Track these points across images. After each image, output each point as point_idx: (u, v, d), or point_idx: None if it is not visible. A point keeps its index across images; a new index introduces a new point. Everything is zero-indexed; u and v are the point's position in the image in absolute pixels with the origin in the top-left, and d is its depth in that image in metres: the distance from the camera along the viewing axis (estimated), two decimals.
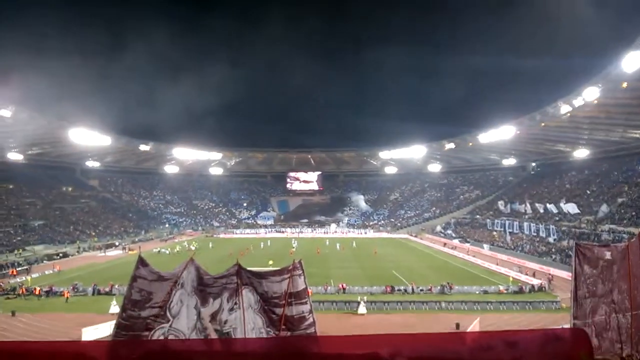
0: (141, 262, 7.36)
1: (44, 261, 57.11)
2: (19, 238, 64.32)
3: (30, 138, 75.89)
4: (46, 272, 49.07)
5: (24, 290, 38.01)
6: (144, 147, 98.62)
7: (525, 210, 71.88)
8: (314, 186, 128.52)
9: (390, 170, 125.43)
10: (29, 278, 44.13)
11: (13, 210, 73.27)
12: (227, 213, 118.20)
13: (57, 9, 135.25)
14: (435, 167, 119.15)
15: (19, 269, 50.17)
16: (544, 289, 39.17)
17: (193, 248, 70.18)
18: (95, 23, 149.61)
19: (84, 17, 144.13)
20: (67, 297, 35.69)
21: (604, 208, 58.66)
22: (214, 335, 6.94)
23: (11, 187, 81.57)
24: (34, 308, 33.43)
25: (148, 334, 6.75)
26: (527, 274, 45.74)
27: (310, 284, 36.20)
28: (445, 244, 76.93)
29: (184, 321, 6.88)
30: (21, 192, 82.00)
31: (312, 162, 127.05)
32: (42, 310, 32.83)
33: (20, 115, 64.34)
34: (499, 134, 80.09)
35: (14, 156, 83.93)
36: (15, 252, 58.24)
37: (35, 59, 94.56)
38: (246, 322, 7.09)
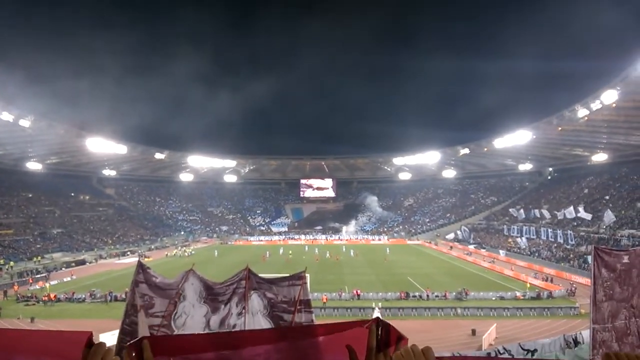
0: (141, 266, 7.37)
1: (62, 268, 57.83)
2: (38, 246, 65.15)
3: (49, 147, 77.36)
4: (64, 280, 49.68)
5: (49, 296, 38.56)
6: (159, 156, 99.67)
7: (542, 216, 70.85)
8: (329, 192, 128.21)
9: (405, 176, 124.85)
10: (47, 285, 44.72)
11: (32, 218, 74.30)
12: (242, 220, 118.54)
13: (73, 21, 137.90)
14: (449, 173, 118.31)
15: (38, 276, 50.92)
16: (572, 294, 38.90)
17: (187, 254, 71.17)
18: (113, 33, 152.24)
19: (102, 28, 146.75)
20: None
21: (609, 215, 56.85)
22: None
23: (30, 195, 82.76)
24: (52, 314, 33.87)
25: None
26: (544, 280, 45.21)
27: (324, 291, 36.61)
28: (451, 247, 77.33)
29: (189, 332, 6.82)
30: (40, 200, 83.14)
31: (326, 169, 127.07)
32: (61, 316, 33.24)
33: (39, 124, 65.55)
34: (515, 139, 79.38)
35: (33, 165, 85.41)
36: (34, 259, 59.02)
37: (54, 70, 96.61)
38: (252, 326, 7.02)
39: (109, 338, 25.43)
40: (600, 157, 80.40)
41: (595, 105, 59.25)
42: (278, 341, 1.82)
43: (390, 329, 1.64)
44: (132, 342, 1.53)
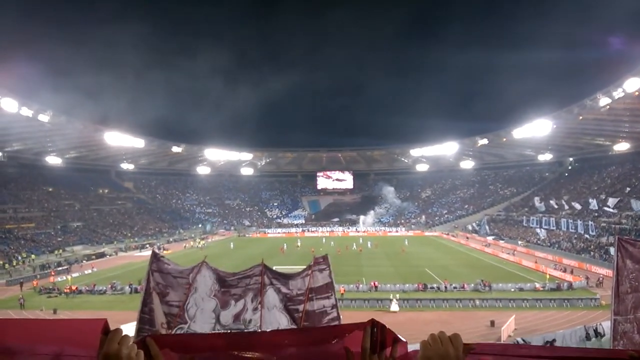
0: (155, 255, 7.46)
1: (83, 261, 58.89)
2: (59, 239, 66.38)
3: (68, 142, 78.49)
4: (85, 272, 50.58)
5: (71, 288, 39.40)
6: (176, 149, 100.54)
7: (562, 207, 69.74)
8: (346, 184, 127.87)
9: (422, 167, 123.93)
10: (69, 277, 45.56)
11: (53, 212, 75.62)
12: (259, 212, 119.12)
13: (91, 16, 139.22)
14: (467, 164, 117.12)
15: (60, 269, 51.88)
16: (600, 285, 38.24)
17: (200, 246, 72.24)
18: (131, 28, 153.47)
19: (119, 23, 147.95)
20: None
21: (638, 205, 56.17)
22: None
23: (50, 189, 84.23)
24: (74, 306, 34.48)
25: (169, 332, 6.82)
26: (564, 271, 44.64)
27: (342, 282, 36.48)
28: (468, 238, 77.58)
29: (199, 325, 6.91)
30: (60, 194, 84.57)
31: (343, 161, 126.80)
32: (82, 308, 33.81)
33: (58, 119, 66.44)
34: (535, 129, 78.00)
35: (53, 160, 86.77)
36: (56, 252, 60.17)
37: (72, 65, 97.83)
38: (269, 321, 7.05)
39: (131, 329, 25.86)
40: (622, 147, 78.77)
41: (618, 94, 57.98)
42: (278, 344, 1.81)
43: (386, 330, 1.62)
44: (136, 340, 1.50)
